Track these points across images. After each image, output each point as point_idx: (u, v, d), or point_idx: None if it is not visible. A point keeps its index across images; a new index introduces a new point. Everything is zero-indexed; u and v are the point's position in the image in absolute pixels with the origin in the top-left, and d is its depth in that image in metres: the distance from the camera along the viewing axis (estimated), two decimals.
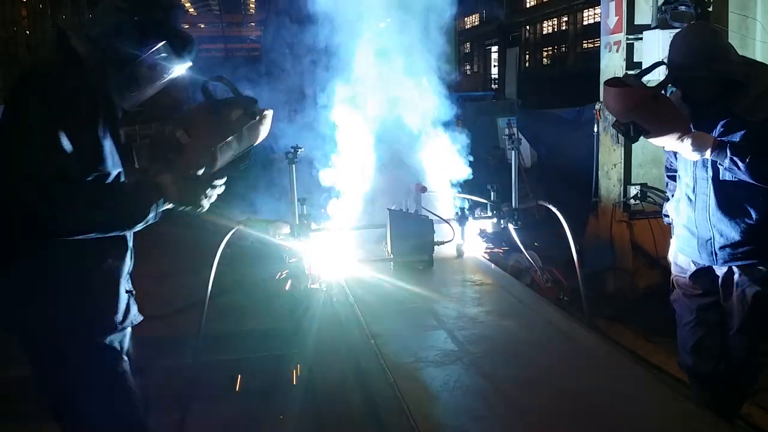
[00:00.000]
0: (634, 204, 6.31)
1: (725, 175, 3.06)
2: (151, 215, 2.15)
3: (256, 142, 2.44)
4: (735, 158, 2.91)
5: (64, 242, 2.09)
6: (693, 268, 3.39)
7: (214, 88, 2.40)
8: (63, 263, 2.15)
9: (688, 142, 3.01)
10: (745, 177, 2.95)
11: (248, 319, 5.35)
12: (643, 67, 5.93)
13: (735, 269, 3.19)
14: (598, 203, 6.60)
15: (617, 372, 2.75)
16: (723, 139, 3.02)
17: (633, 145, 6.26)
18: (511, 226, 4.55)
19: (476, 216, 4.70)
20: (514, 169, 4.68)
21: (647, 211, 6.30)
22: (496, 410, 2.45)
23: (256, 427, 4.17)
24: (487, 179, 4.90)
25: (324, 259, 4.18)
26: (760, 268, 3.14)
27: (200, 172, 2.32)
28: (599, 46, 6.58)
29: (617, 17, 6.13)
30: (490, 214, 4.62)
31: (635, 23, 6.03)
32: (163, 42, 2.24)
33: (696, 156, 3.05)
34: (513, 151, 4.69)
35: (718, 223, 3.16)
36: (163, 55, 2.25)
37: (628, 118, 3.07)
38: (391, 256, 4.19)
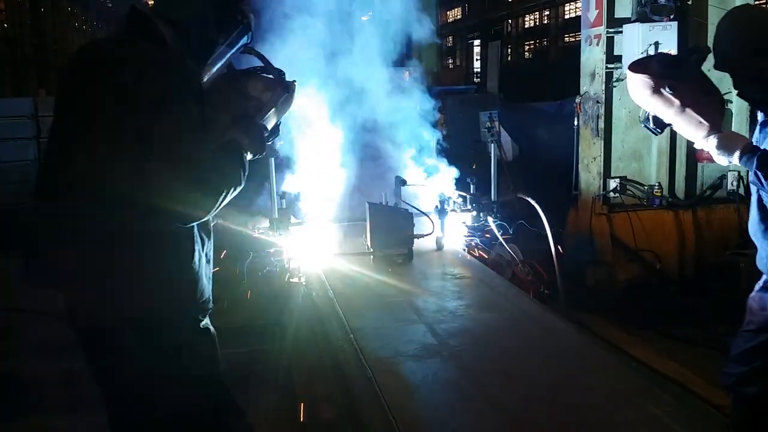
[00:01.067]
0: (614, 197, 6.34)
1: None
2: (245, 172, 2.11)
3: (285, 113, 2.44)
4: (759, 172, 2.50)
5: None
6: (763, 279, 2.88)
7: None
8: (168, 247, 2.05)
9: (713, 142, 2.63)
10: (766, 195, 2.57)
11: (226, 314, 5.30)
12: (623, 60, 5.99)
13: None
14: (578, 196, 6.61)
15: (594, 364, 2.76)
16: (766, 147, 2.58)
17: (613, 138, 6.30)
18: (490, 219, 4.55)
19: (454, 205, 4.68)
20: (493, 162, 4.69)
21: (627, 204, 6.33)
22: (475, 403, 2.45)
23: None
24: (468, 173, 4.91)
25: (303, 253, 4.16)
26: None
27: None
28: (580, 40, 6.59)
29: (597, 11, 6.14)
30: (469, 207, 4.62)
31: (615, 17, 6.04)
32: (242, 27, 2.24)
33: (723, 160, 2.63)
34: (492, 145, 4.69)
35: (763, 242, 2.74)
36: (240, 38, 2.25)
37: (649, 106, 2.74)
38: (371, 250, 4.18)
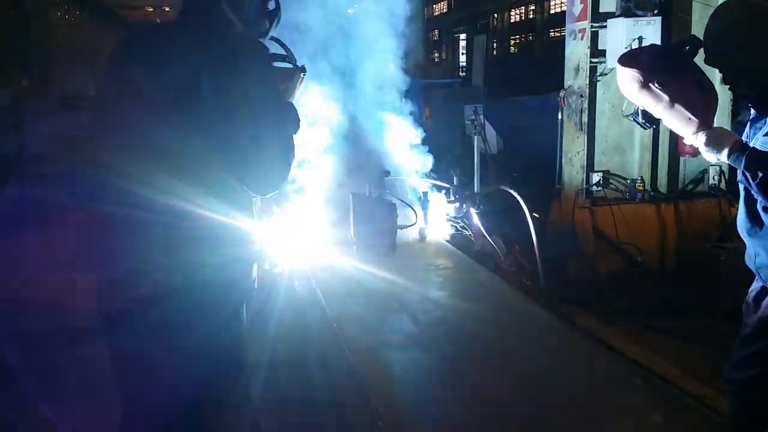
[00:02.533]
0: (597, 191, 6.36)
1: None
2: None
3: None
4: (747, 172, 2.41)
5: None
6: (758, 284, 2.75)
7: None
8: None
9: (702, 139, 2.54)
10: (756, 195, 2.47)
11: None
12: (607, 55, 6.02)
13: None
14: (561, 190, 6.64)
15: (575, 353, 2.79)
16: (760, 144, 2.49)
17: (596, 132, 6.32)
18: (473, 210, 4.57)
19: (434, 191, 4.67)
20: (476, 154, 4.70)
21: (609, 197, 6.36)
22: (455, 390, 2.47)
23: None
24: (452, 166, 4.92)
25: (286, 242, 4.16)
26: None
27: None
28: (565, 35, 6.60)
29: (582, 5, 6.15)
30: (452, 198, 4.64)
31: (600, 11, 6.04)
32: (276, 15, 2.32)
33: (711, 157, 2.55)
34: (476, 136, 4.70)
35: (750, 240, 2.65)
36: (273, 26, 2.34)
37: (638, 100, 2.64)
38: (354, 240, 4.18)
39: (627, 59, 2.67)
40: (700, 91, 2.64)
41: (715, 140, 2.52)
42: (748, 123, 2.66)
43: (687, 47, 2.61)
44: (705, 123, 2.57)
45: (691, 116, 2.56)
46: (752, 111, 2.67)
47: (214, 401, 2.18)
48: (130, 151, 1.98)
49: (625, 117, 3.01)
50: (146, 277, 1.98)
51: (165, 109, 2.00)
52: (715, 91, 2.69)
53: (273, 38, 2.42)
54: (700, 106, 2.60)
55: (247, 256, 2.19)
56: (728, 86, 2.62)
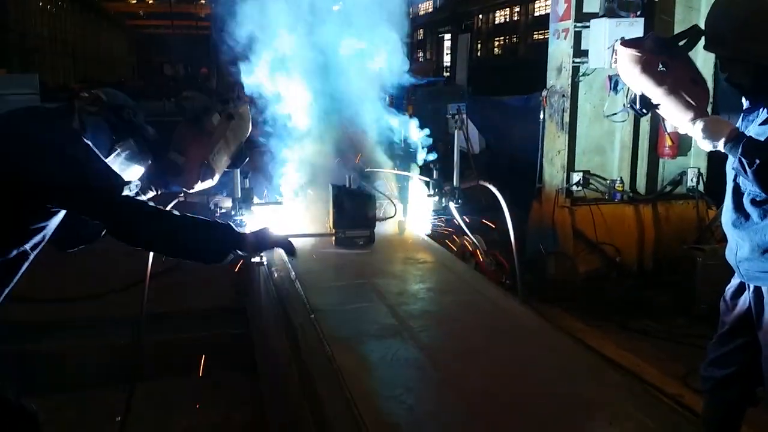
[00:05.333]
0: (577, 190, 6.42)
1: (739, 176, 2.58)
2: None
3: (244, 139, 2.59)
4: (743, 159, 2.40)
5: None
6: (736, 281, 2.83)
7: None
8: None
9: (699, 126, 2.54)
10: (751, 184, 2.49)
11: (190, 298, 5.27)
12: (590, 55, 6.05)
13: (764, 289, 2.64)
14: (541, 189, 6.69)
15: (550, 344, 2.80)
16: (753, 133, 2.51)
17: (577, 132, 6.38)
18: (452, 205, 4.58)
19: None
20: (456, 148, 4.71)
21: (589, 197, 6.42)
22: (431, 381, 2.47)
23: (195, 404, 4.14)
24: (433, 161, 4.92)
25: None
26: None
27: (203, 185, 2.59)
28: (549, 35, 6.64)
29: (566, 5, 6.19)
30: (432, 192, 4.64)
31: (584, 11, 6.10)
32: None
33: (707, 145, 2.55)
34: (456, 132, 4.71)
35: (735, 231, 2.68)
36: None
37: (637, 85, 2.64)
38: (333, 231, 4.17)
39: (630, 42, 2.69)
40: (696, 80, 2.67)
41: (712, 127, 2.52)
42: (741, 115, 2.70)
43: (688, 37, 2.64)
44: (702, 111, 2.58)
45: (691, 101, 2.57)
46: (745, 102, 2.71)
47: None
48: None
49: (624, 105, 2.99)
50: None
51: None
52: (708, 87, 2.73)
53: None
54: (698, 94, 2.61)
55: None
56: (725, 76, 2.63)
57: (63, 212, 2.19)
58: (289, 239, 2.52)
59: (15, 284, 2.21)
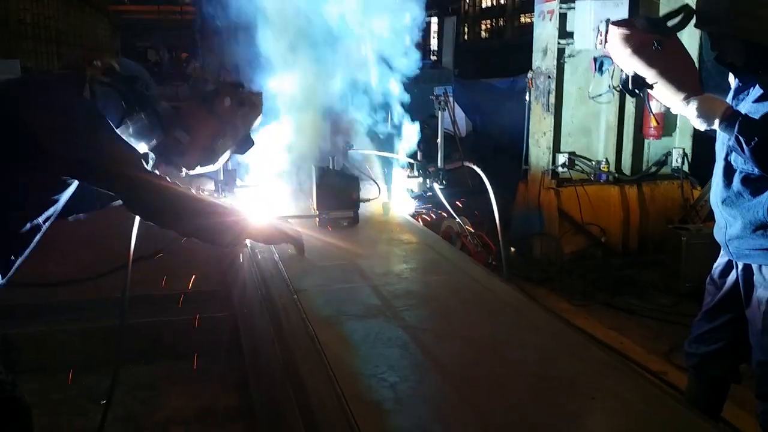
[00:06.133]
0: (562, 171, 6.43)
1: (732, 154, 2.56)
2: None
3: (252, 127, 2.57)
4: (741, 137, 2.37)
5: None
6: (723, 259, 2.85)
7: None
8: None
9: (693, 105, 2.51)
10: (748, 162, 2.45)
11: (174, 281, 5.23)
12: (575, 36, 6.04)
13: (753, 267, 2.63)
14: (528, 170, 6.69)
15: (533, 323, 2.80)
16: (745, 112, 2.49)
17: (562, 114, 6.38)
18: (436, 186, 4.56)
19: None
20: (440, 129, 4.69)
21: (574, 179, 6.44)
22: (414, 359, 2.46)
23: (180, 387, 4.12)
24: (418, 142, 4.90)
25: (249, 215, 4.11)
26: None
27: (203, 169, 2.57)
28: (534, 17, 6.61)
29: None
30: (416, 173, 4.62)
31: None
32: None
33: (701, 124, 2.53)
34: (440, 112, 4.69)
35: (725, 209, 2.67)
36: None
37: (629, 65, 2.62)
38: (316, 212, 4.15)
39: (621, 22, 2.66)
40: (687, 62, 2.68)
41: (706, 106, 2.49)
42: (732, 94, 2.68)
43: (679, 16, 2.59)
44: (695, 90, 2.56)
45: (684, 80, 2.56)
46: (735, 81, 2.69)
47: None
48: None
49: (618, 87, 2.95)
50: None
51: None
52: (696, 67, 2.73)
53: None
54: (692, 73, 2.62)
55: None
56: (715, 54, 2.58)
57: (76, 184, 2.16)
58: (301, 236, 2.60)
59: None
